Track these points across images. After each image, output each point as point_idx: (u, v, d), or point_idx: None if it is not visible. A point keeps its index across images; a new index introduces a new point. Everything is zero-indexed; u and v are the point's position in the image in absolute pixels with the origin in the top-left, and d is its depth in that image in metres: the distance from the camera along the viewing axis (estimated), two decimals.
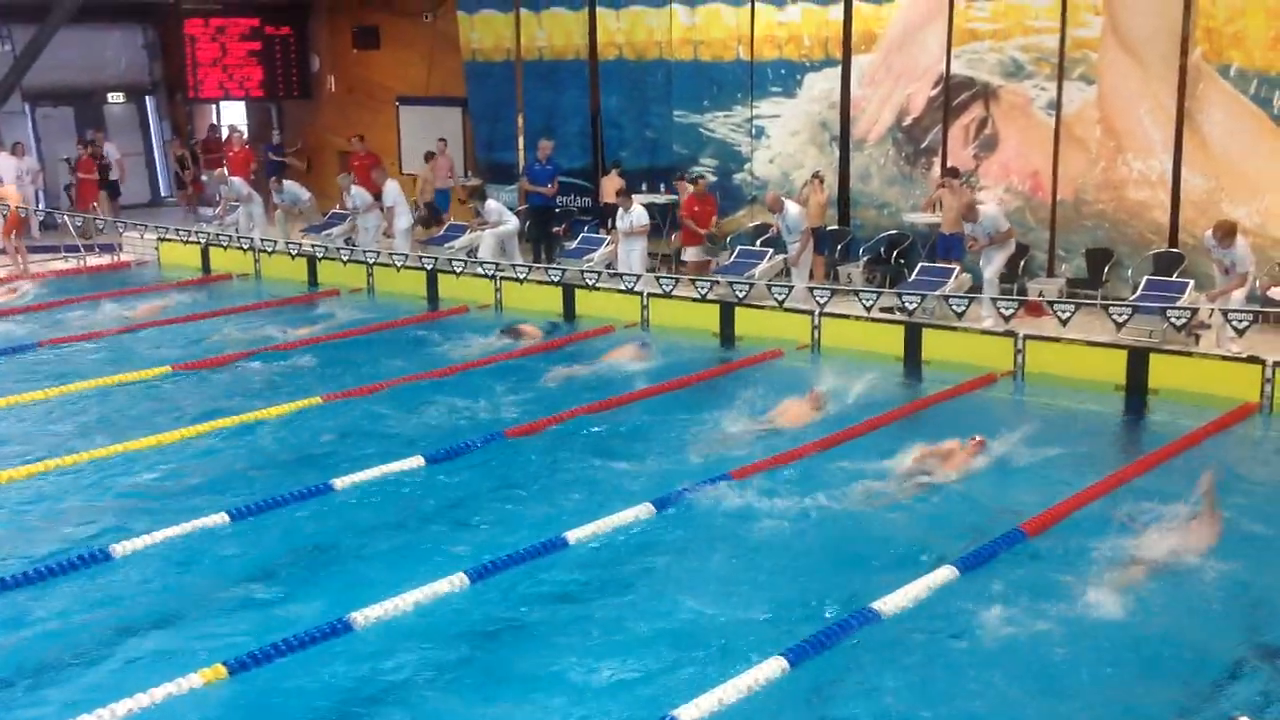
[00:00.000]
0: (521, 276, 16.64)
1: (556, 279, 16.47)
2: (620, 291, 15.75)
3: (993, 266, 14.35)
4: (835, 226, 16.96)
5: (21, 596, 7.90)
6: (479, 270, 17.02)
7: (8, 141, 22.41)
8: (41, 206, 22.57)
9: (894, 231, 16.39)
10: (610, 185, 18.46)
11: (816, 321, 14.27)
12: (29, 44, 22.20)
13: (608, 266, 16.64)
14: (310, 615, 7.49)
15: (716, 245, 17.57)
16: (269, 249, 19.06)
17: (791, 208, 15.58)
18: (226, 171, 21.61)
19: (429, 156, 20.88)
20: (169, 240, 20.29)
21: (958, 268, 14.66)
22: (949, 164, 15.93)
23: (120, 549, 8.49)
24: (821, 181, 16.70)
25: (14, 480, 9.94)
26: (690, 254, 17.26)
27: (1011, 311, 13.37)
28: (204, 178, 23.98)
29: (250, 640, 7.13)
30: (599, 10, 19.29)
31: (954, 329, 13.63)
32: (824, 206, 16.63)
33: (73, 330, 15.33)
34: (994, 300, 13.77)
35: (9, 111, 23.35)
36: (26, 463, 10.27)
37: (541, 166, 18.94)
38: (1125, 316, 12.80)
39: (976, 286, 14.52)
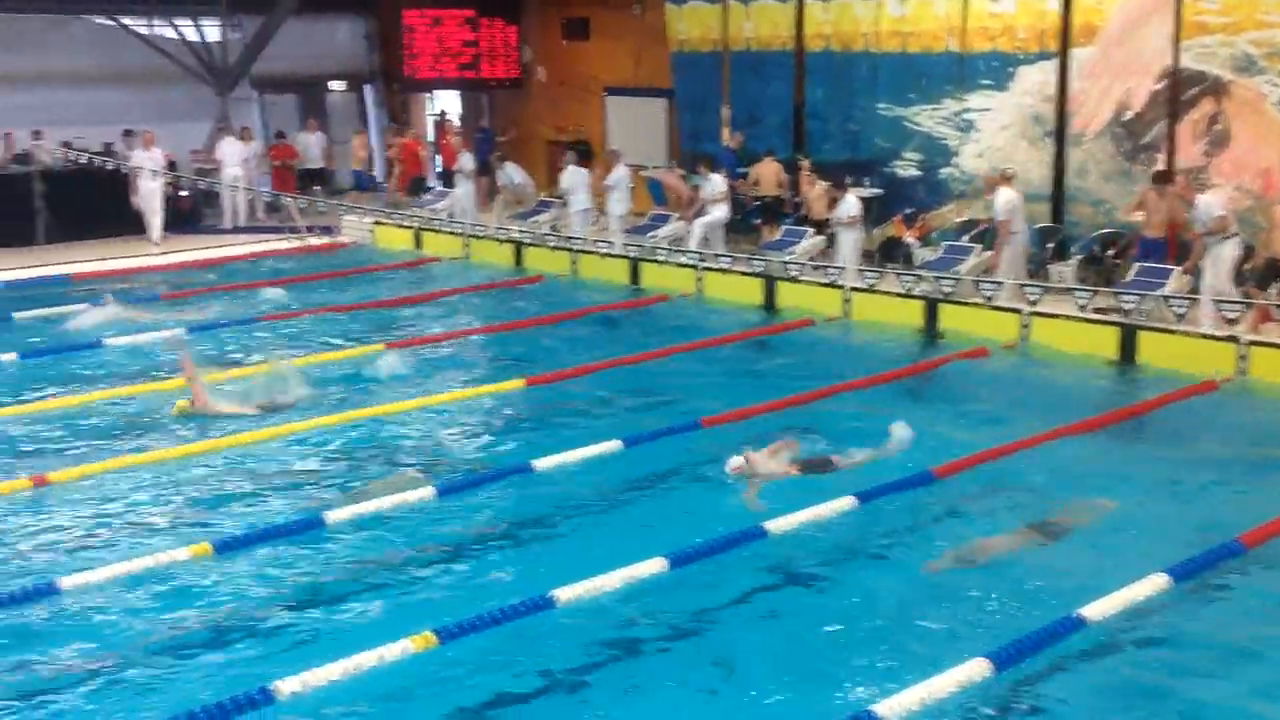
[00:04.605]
0: (724, 267, 16.67)
1: (759, 270, 16.43)
2: (822, 285, 15.64)
3: (1216, 267, 13.70)
4: (1047, 224, 16.48)
5: (242, 557, 8.29)
6: (682, 260, 17.11)
7: (236, 126, 23.48)
8: (266, 189, 23.61)
9: (1110, 230, 15.83)
10: (768, 171, 18.53)
11: (1026, 320, 13.88)
12: (258, 33, 23.28)
13: (811, 259, 16.53)
14: (513, 591, 7.64)
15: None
16: (478, 234, 19.56)
17: (1002, 194, 15.13)
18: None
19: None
20: (384, 224, 21.00)
21: (1178, 268, 14.07)
22: (1175, 161, 15.31)
23: (332, 516, 8.83)
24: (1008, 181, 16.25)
25: (255, 441, 10.51)
26: None
27: (1236, 315, 12.77)
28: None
29: (455, 611, 7.32)
30: (807, 1, 19.16)
31: (1173, 332, 13.10)
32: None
33: (291, 307, 16.00)
34: (1217, 303, 13.16)
35: (238, 98, 24.52)
36: (255, 429, 10.80)
37: (732, 155, 19.00)
38: None
39: (1198, 288, 13.91)
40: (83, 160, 20.50)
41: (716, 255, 17.05)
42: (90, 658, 7.01)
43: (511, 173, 21.56)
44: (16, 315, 15.30)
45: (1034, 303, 13.86)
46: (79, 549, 8.48)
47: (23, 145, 21.49)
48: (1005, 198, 15.10)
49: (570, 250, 18.31)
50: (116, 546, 8.48)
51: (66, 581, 7.72)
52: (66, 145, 21.15)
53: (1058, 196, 16.68)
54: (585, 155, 20.73)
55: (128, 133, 21.97)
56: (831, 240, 16.85)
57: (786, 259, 16.41)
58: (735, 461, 9.53)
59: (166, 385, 12.21)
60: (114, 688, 6.71)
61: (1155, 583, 7.65)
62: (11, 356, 13.31)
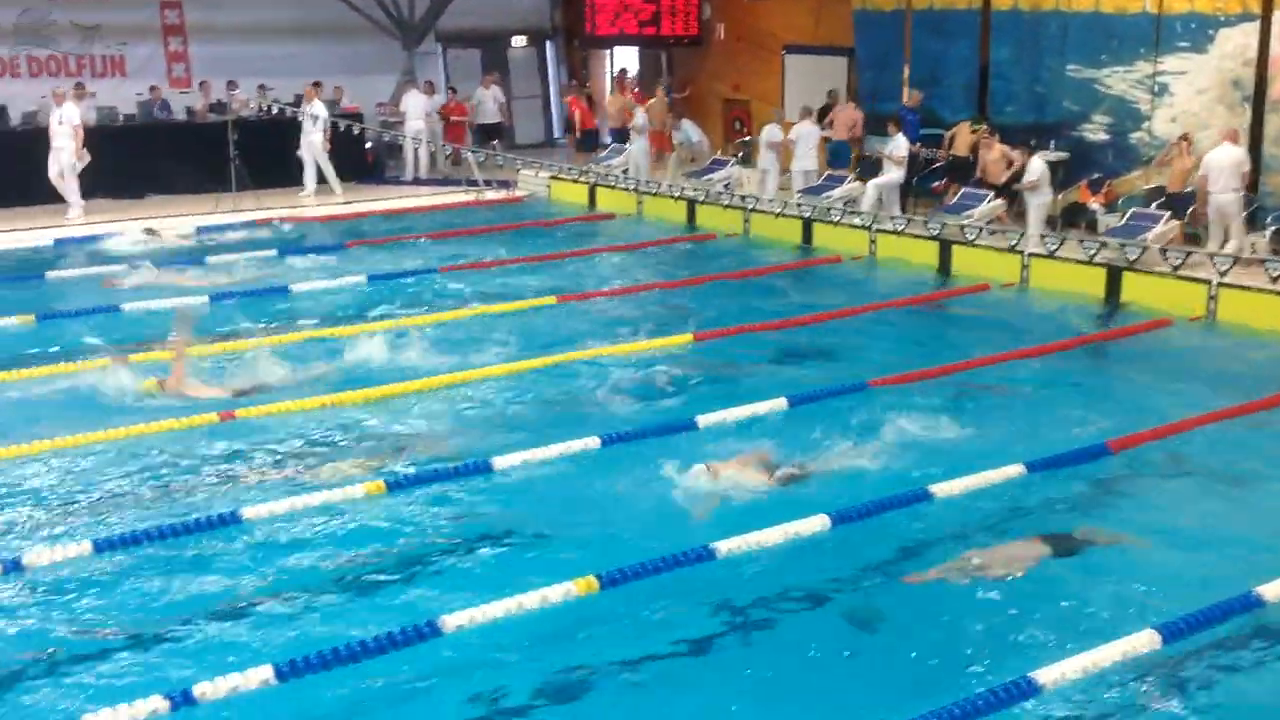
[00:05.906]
0: (899, 229, 16.43)
1: (935, 233, 16.14)
2: (1000, 250, 15.29)
3: None
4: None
5: (414, 496, 8.56)
6: (855, 221, 16.91)
7: (420, 80, 23.98)
8: (445, 142, 24.09)
9: None
10: (965, 131, 18.24)
11: (1213, 291, 13.35)
12: None
13: (989, 222, 16.18)
14: (673, 540, 7.70)
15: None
16: (652, 190, 19.66)
17: (1221, 150, 14.62)
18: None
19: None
20: (560, 179, 21.25)
21: None
22: None
23: (501, 462, 9.02)
24: (1190, 145, 15.63)
25: (425, 389, 10.78)
26: None
27: None
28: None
29: (617, 557, 7.43)
30: None
31: None
32: (1188, 172, 15.53)
33: (467, 259, 16.31)
34: None
35: (423, 52, 25.02)
36: (418, 378, 11.05)
37: (912, 115, 18.65)
38: None
39: None
40: (274, 111, 21.18)
41: (891, 216, 16.80)
42: (266, 586, 7.31)
43: (688, 130, 21.62)
44: (209, 259, 15.96)
45: (1223, 274, 13.32)
46: (260, 481, 8.85)
47: (218, 96, 22.33)
48: (1221, 154, 14.63)
49: (743, 209, 18.26)
50: (295, 480, 8.83)
51: (248, 512, 8.08)
52: (262, 89, 21.90)
53: (1254, 165, 15.97)
54: (823, 112, 20.44)
55: (316, 84, 22.63)
56: (1012, 204, 16.48)
57: (964, 222, 16.09)
58: (696, 470, 8.82)
59: (344, 331, 12.62)
60: (288, 615, 7.01)
61: None
62: (203, 299, 13.92)
